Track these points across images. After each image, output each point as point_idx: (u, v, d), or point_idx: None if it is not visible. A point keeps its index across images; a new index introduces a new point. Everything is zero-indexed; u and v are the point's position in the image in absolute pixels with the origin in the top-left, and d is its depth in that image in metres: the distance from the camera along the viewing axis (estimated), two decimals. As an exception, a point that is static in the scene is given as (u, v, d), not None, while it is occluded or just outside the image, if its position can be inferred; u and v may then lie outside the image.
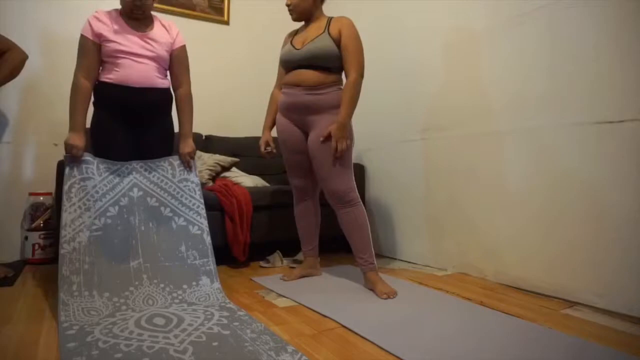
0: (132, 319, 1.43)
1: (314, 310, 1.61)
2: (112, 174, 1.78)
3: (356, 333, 1.39)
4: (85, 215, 1.65)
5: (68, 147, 1.69)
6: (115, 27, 1.80)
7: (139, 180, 1.82)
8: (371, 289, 1.85)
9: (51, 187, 2.34)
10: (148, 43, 1.84)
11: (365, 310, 1.62)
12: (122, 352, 1.19)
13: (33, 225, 2.42)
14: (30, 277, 2.11)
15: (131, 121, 1.86)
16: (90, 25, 1.78)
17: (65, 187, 1.66)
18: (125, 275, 1.63)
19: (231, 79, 3.21)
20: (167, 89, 1.94)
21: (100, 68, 1.84)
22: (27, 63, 2.16)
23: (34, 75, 2.50)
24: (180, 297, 1.64)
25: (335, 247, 2.52)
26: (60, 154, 2.44)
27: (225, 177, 2.66)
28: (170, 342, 1.26)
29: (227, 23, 3.22)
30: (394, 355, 1.23)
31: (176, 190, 1.88)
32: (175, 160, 1.92)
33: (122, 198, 1.76)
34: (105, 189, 1.73)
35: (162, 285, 1.65)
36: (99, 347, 1.22)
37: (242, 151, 2.93)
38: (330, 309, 1.60)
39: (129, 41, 1.80)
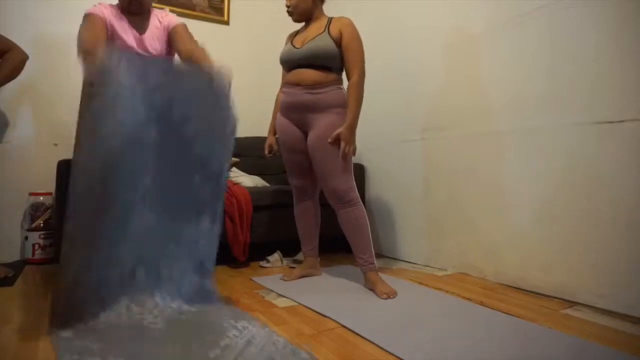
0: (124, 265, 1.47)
1: (314, 310, 1.61)
2: (136, 72, 1.47)
3: (356, 333, 1.39)
4: (102, 127, 1.41)
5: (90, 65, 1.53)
6: (118, 22, 1.81)
7: (164, 84, 1.51)
8: (371, 289, 1.85)
9: (51, 187, 2.34)
10: (142, 47, 1.85)
11: (365, 310, 1.62)
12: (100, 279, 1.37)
13: (33, 225, 2.42)
14: (30, 277, 2.11)
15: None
16: (98, 9, 1.77)
17: (86, 94, 1.53)
18: (131, 200, 1.46)
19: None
20: None
21: None
22: (27, 63, 2.16)
23: (34, 75, 2.50)
24: (175, 235, 1.55)
25: (335, 247, 2.52)
26: (60, 154, 2.44)
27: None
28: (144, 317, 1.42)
29: (227, 23, 3.21)
30: (394, 355, 1.22)
31: (206, 108, 1.58)
32: (213, 70, 1.61)
33: (139, 106, 1.46)
34: (123, 96, 1.43)
35: (163, 217, 1.53)
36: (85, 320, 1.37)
37: (242, 151, 2.92)
38: (330, 309, 1.60)
39: (126, 41, 1.81)
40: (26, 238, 2.43)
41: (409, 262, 2.53)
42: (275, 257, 2.45)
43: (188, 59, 1.77)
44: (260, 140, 2.91)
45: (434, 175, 2.41)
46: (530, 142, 1.91)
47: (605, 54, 1.65)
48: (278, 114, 2.06)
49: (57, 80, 2.59)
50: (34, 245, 2.40)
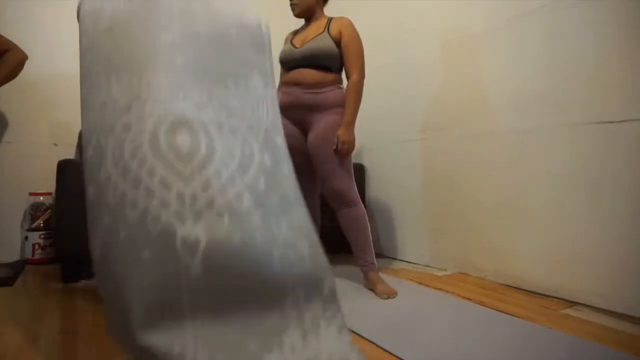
0: (149, 128, 0.95)
1: (314, 310, 1.61)
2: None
3: (356, 333, 1.39)
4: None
5: None
6: None
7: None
8: (371, 289, 1.85)
9: (51, 187, 2.34)
10: None
11: (365, 310, 1.62)
12: (126, 225, 0.87)
13: (33, 225, 2.42)
14: (30, 277, 2.11)
15: None
16: None
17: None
18: (152, 52, 1.08)
19: (231, 79, 3.21)
20: None
21: None
22: (27, 63, 2.16)
23: (34, 75, 2.50)
24: (221, 97, 1.08)
25: (336, 247, 2.52)
26: (60, 154, 2.44)
27: (225, 177, 2.66)
28: (182, 212, 0.87)
29: (227, 23, 3.21)
30: (394, 355, 1.22)
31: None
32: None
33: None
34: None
35: (200, 74, 1.08)
36: (109, 207, 0.90)
37: (242, 151, 2.92)
38: (330, 309, 1.60)
39: None
40: (26, 238, 2.43)
41: (409, 262, 2.53)
42: (275, 257, 2.45)
43: None
44: (260, 140, 2.92)
45: (434, 175, 2.41)
46: (530, 142, 1.91)
47: (605, 54, 1.65)
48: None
49: (57, 81, 2.59)
50: (34, 245, 2.40)
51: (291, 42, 1.97)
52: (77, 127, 2.55)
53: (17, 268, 2.24)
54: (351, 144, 1.84)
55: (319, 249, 1.02)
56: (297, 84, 1.90)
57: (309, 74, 1.88)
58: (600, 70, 1.66)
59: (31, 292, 1.85)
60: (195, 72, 1.08)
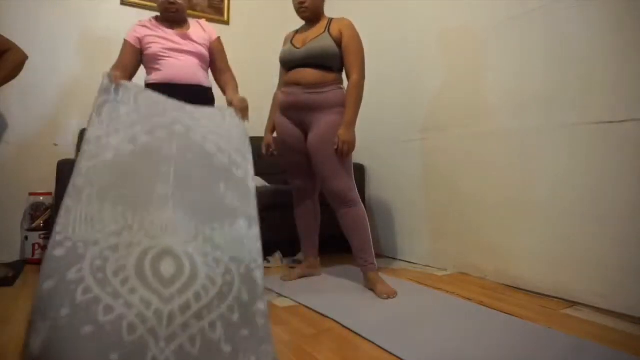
0: (136, 254, 1.05)
1: (314, 310, 1.61)
2: (156, 103, 1.49)
3: (356, 333, 1.39)
4: (113, 136, 1.36)
5: (106, 74, 1.49)
6: (158, 31, 1.89)
7: (183, 118, 1.50)
8: (371, 289, 1.85)
9: (51, 187, 2.34)
10: (188, 40, 1.91)
11: (365, 310, 1.62)
12: (94, 323, 0.89)
13: (33, 225, 2.42)
14: (30, 277, 2.11)
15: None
16: (134, 31, 1.88)
17: (98, 102, 1.40)
18: (147, 198, 1.24)
19: (231, 79, 3.21)
20: (210, 90, 1.99)
21: (146, 73, 1.91)
22: (28, 63, 2.16)
23: (34, 76, 2.50)
24: (206, 235, 1.22)
25: (335, 247, 2.52)
26: (60, 154, 2.44)
27: (225, 177, 2.66)
28: (155, 333, 0.92)
29: (227, 23, 3.21)
30: (394, 355, 1.22)
31: (224, 131, 1.58)
32: (226, 110, 1.66)
33: (158, 130, 1.41)
34: (139, 117, 1.42)
35: (189, 216, 1.25)
36: (73, 302, 0.91)
37: (242, 151, 2.93)
38: (330, 309, 1.60)
39: (170, 40, 1.88)
40: (26, 238, 2.43)
41: (409, 262, 2.53)
42: (275, 257, 2.45)
43: (220, 84, 2.02)
44: (260, 140, 2.91)
45: (434, 175, 2.41)
46: (530, 142, 1.91)
47: (605, 54, 1.65)
48: (278, 114, 2.06)
49: (57, 81, 2.59)
50: (34, 245, 2.40)
51: (291, 43, 1.97)
52: (77, 127, 2.56)
53: (17, 268, 2.24)
54: (352, 144, 1.84)
55: None
56: (298, 83, 1.90)
57: (309, 74, 1.88)
58: (600, 70, 1.66)
59: (31, 292, 1.84)
60: (185, 215, 1.24)
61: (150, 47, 1.86)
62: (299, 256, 2.37)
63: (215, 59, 2.02)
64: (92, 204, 1.17)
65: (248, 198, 1.48)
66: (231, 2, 3.22)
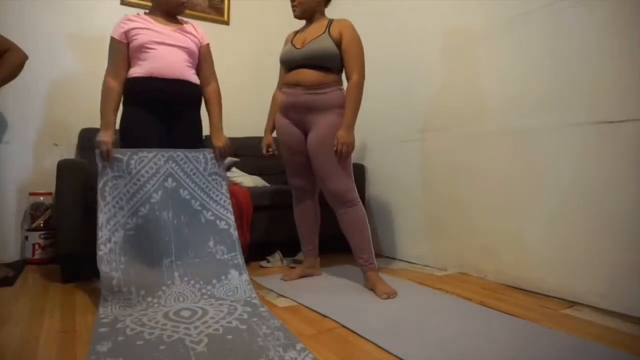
0: (161, 312, 1.52)
1: (314, 310, 1.61)
2: (148, 163, 1.77)
3: (356, 333, 1.39)
4: (119, 214, 1.70)
5: (98, 143, 1.71)
6: (146, 23, 1.84)
7: (174, 170, 1.82)
8: (371, 289, 1.85)
9: (51, 187, 2.34)
10: (180, 34, 1.88)
11: (365, 310, 1.62)
12: (144, 339, 1.29)
13: (33, 225, 2.42)
14: (30, 277, 2.11)
15: (161, 116, 1.85)
16: (119, 26, 1.82)
17: (100, 185, 1.71)
18: (158, 274, 1.68)
19: (231, 79, 3.20)
20: (198, 85, 1.95)
21: (130, 66, 1.85)
22: (27, 63, 2.16)
23: (34, 76, 2.50)
24: (209, 293, 1.69)
25: (336, 247, 2.52)
26: (60, 154, 2.45)
27: (225, 177, 2.66)
28: (189, 332, 1.35)
29: (227, 23, 3.21)
30: (394, 355, 1.23)
31: (205, 184, 1.90)
32: (209, 154, 1.94)
33: (154, 194, 1.75)
34: (136, 187, 1.73)
35: (192, 282, 1.70)
36: (125, 334, 1.33)
37: (242, 151, 2.93)
38: (330, 309, 1.60)
39: (160, 32, 1.83)
40: (26, 238, 2.42)
41: (409, 262, 2.53)
42: (276, 257, 2.45)
43: (204, 95, 2.00)
44: (260, 140, 2.91)
45: (434, 175, 2.41)
46: (531, 142, 1.91)
47: (605, 54, 1.65)
48: (278, 114, 2.05)
49: (57, 81, 2.59)
50: (34, 245, 2.40)
51: (292, 43, 1.97)
52: (77, 127, 2.56)
53: (17, 268, 2.24)
54: (351, 145, 1.83)
55: None
56: (298, 84, 1.90)
57: (309, 75, 1.88)
58: (600, 70, 1.66)
59: (31, 292, 1.85)
60: (190, 281, 1.71)
61: (136, 39, 1.79)
62: (299, 256, 2.37)
63: (202, 65, 1.99)
64: (122, 292, 1.58)
65: (234, 248, 1.87)
66: (231, 2, 3.22)
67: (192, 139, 1.96)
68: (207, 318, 1.47)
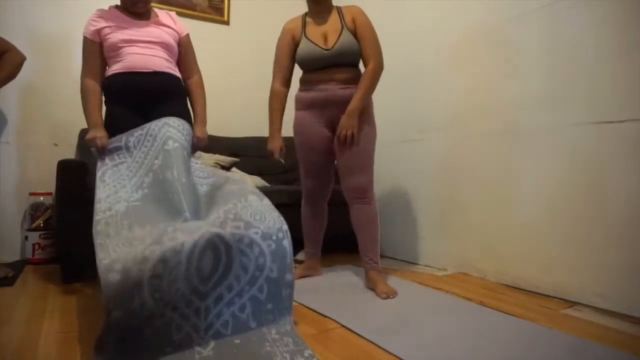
0: (185, 256, 1.18)
1: (314, 310, 1.61)
2: (146, 137, 1.66)
3: (356, 333, 1.39)
4: (121, 191, 1.54)
5: (91, 142, 1.65)
6: (116, 20, 1.76)
7: (172, 133, 1.67)
8: (371, 289, 1.85)
9: (51, 187, 2.34)
10: (153, 28, 1.79)
11: (365, 310, 1.62)
12: (152, 326, 1.15)
13: (33, 225, 2.42)
14: (30, 277, 2.11)
15: (143, 111, 1.77)
16: (90, 24, 1.75)
17: (99, 174, 1.59)
18: (170, 214, 1.41)
19: (231, 79, 3.21)
20: (179, 78, 1.87)
21: (106, 67, 1.79)
22: (27, 63, 2.16)
23: (34, 76, 2.50)
24: (234, 213, 1.36)
25: (335, 247, 2.52)
26: (60, 154, 2.44)
27: (225, 177, 2.66)
28: (197, 327, 1.20)
29: (227, 23, 3.21)
30: (394, 355, 1.23)
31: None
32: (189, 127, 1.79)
33: (155, 160, 1.59)
34: (138, 164, 1.61)
35: (212, 209, 1.45)
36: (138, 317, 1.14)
37: (242, 151, 2.93)
38: (330, 309, 1.60)
39: (132, 30, 1.75)
40: (26, 238, 2.43)
41: (409, 262, 2.53)
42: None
43: (187, 88, 1.92)
44: (260, 140, 2.91)
45: (434, 175, 2.41)
46: (531, 142, 1.92)
47: (605, 54, 1.65)
48: (300, 112, 1.96)
49: (56, 81, 2.59)
50: (34, 245, 2.40)
51: (308, 38, 1.88)
52: (77, 127, 2.56)
53: (17, 268, 2.24)
54: (353, 129, 1.82)
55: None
56: (331, 80, 1.87)
57: (340, 71, 1.87)
58: (600, 70, 1.66)
59: (31, 292, 1.85)
60: (208, 209, 1.46)
61: (108, 38, 1.72)
62: (299, 256, 2.37)
63: (182, 57, 1.89)
64: (122, 233, 1.31)
65: (245, 186, 1.59)
66: (231, 2, 3.22)
67: None
68: (223, 286, 1.24)
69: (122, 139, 1.66)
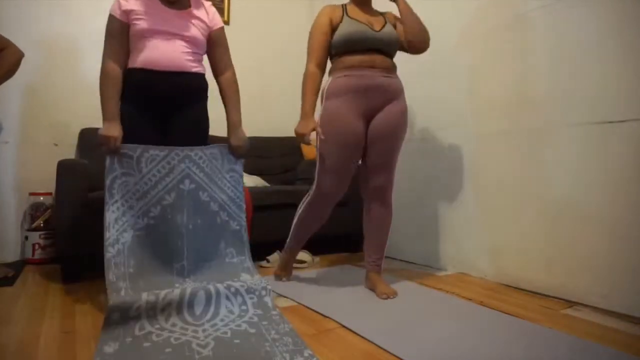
0: (174, 304, 1.43)
1: (314, 310, 1.61)
2: (160, 162, 1.63)
3: (356, 333, 1.39)
4: (128, 213, 1.59)
5: (103, 138, 1.55)
6: (147, 5, 1.64)
7: (192, 170, 1.67)
8: (371, 289, 1.85)
9: (51, 187, 2.34)
10: (183, 21, 1.67)
11: (365, 310, 1.62)
12: (151, 341, 1.27)
13: (33, 225, 2.42)
14: (30, 277, 2.11)
15: (157, 112, 1.69)
16: (119, 3, 1.63)
17: (107, 182, 1.58)
18: (170, 277, 1.59)
19: (231, 79, 3.20)
20: (201, 75, 1.76)
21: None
22: (27, 63, 2.15)
23: (34, 76, 2.50)
24: (224, 284, 1.57)
25: (335, 247, 2.52)
26: (60, 154, 2.44)
27: (225, 177, 2.66)
28: (196, 335, 1.32)
29: (227, 23, 3.21)
30: (394, 355, 1.23)
31: (223, 182, 1.77)
32: (224, 149, 1.78)
33: (166, 195, 1.62)
34: (147, 187, 1.61)
35: (204, 283, 1.57)
36: (133, 335, 1.30)
37: (242, 151, 2.93)
38: (330, 309, 1.60)
39: (159, 18, 1.63)
40: (26, 238, 2.43)
41: (409, 262, 2.53)
42: (275, 257, 2.45)
43: (219, 86, 1.83)
44: (261, 140, 2.92)
45: (434, 175, 2.41)
46: (531, 142, 1.91)
47: (607, 54, 1.65)
48: (334, 100, 1.78)
49: (57, 80, 2.59)
50: (34, 245, 2.40)
51: (358, 20, 1.79)
52: (77, 127, 2.56)
53: (17, 268, 2.24)
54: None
55: None
56: (372, 66, 1.77)
57: (381, 58, 1.79)
58: (601, 70, 1.66)
59: (31, 292, 1.84)
60: (201, 283, 1.57)
61: (136, 24, 1.61)
62: (300, 256, 2.36)
63: (214, 52, 1.79)
64: (127, 275, 1.53)
65: (244, 250, 1.78)
66: (231, 2, 3.22)
67: (193, 137, 1.74)
68: (217, 320, 1.42)
69: (136, 151, 1.61)
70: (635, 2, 1.57)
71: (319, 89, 1.84)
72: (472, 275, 2.17)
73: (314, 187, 1.88)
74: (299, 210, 1.97)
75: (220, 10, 3.17)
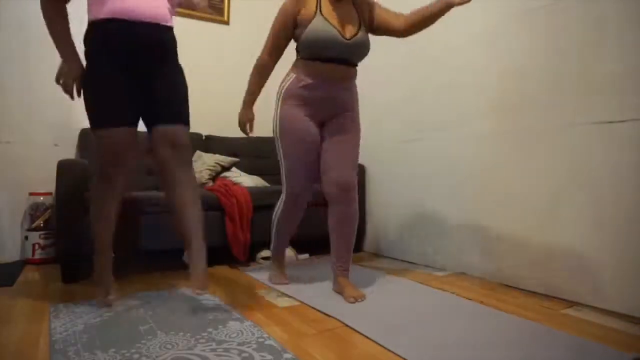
0: None
1: (315, 309, 1.61)
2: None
3: (357, 332, 1.39)
4: None
5: (64, 72, 1.47)
6: None
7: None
8: (339, 293, 1.79)
9: (51, 187, 2.34)
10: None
11: (366, 309, 1.62)
12: None
13: (33, 225, 2.42)
14: (30, 277, 2.11)
15: (137, 71, 1.48)
16: None
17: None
18: (133, 330, 1.36)
19: (231, 79, 3.19)
20: (172, 29, 1.58)
21: (88, 2, 1.43)
22: (28, 63, 2.15)
23: (35, 75, 2.50)
24: (205, 337, 1.32)
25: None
26: (60, 154, 2.43)
27: (225, 177, 2.66)
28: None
29: (227, 23, 3.21)
30: (395, 354, 1.23)
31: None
32: None
33: None
34: None
35: (181, 334, 1.35)
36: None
37: (242, 151, 2.93)
38: (331, 308, 1.60)
39: None
40: (26, 238, 2.42)
41: (409, 262, 2.53)
42: (267, 252, 2.45)
43: None
44: (260, 140, 2.91)
45: (434, 175, 2.41)
46: (531, 142, 1.92)
47: (606, 54, 1.65)
48: (292, 106, 1.76)
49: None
50: (34, 245, 2.40)
51: (328, 21, 1.67)
52: (77, 127, 2.56)
53: (17, 268, 2.24)
54: None
55: None
56: (332, 78, 1.73)
57: (343, 70, 1.73)
58: (600, 70, 1.66)
59: (31, 292, 1.84)
60: (176, 334, 1.36)
61: None
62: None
63: None
64: (82, 357, 1.18)
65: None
66: (231, 2, 3.22)
67: (174, 98, 1.55)
68: None
69: None
70: (636, 2, 1.57)
71: (265, 80, 1.88)
72: (472, 275, 2.17)
73: (283, 190, 1.89)
74: (275, 218, 1.98)
75: (220, 11, 3.18)
